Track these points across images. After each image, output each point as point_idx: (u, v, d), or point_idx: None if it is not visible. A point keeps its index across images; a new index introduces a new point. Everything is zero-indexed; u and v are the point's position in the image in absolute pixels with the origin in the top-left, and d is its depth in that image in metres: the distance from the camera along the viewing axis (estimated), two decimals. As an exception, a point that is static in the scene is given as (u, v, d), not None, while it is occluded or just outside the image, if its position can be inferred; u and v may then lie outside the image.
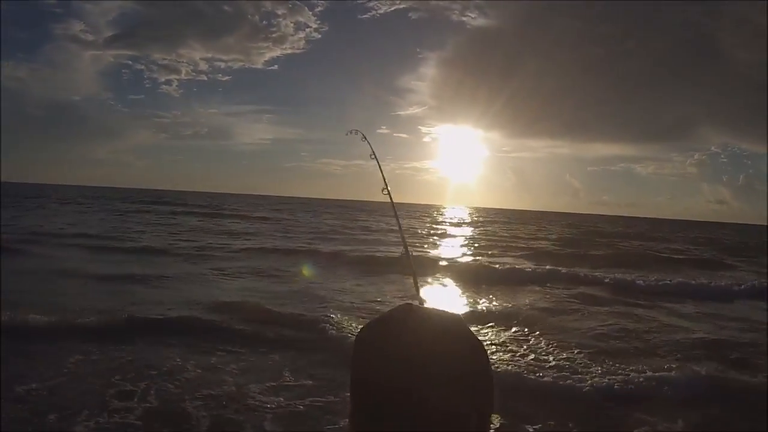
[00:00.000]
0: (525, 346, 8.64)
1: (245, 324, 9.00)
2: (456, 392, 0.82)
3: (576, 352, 8.38)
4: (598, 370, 7.46)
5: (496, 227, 50.85)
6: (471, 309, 11.68)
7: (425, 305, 0.99)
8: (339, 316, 9.70)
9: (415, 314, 0.88)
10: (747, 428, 6.20)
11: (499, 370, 7.32)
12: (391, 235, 27.99)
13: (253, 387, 6.38)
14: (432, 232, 38.41)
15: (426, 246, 26.32)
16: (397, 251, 18.43)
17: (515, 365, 7.67)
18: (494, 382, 0.89)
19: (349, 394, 0.87)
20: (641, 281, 16.26)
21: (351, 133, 2.13)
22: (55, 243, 19.03)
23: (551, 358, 8.02)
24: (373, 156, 1.96)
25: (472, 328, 0.92)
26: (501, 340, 9.09)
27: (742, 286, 15.93)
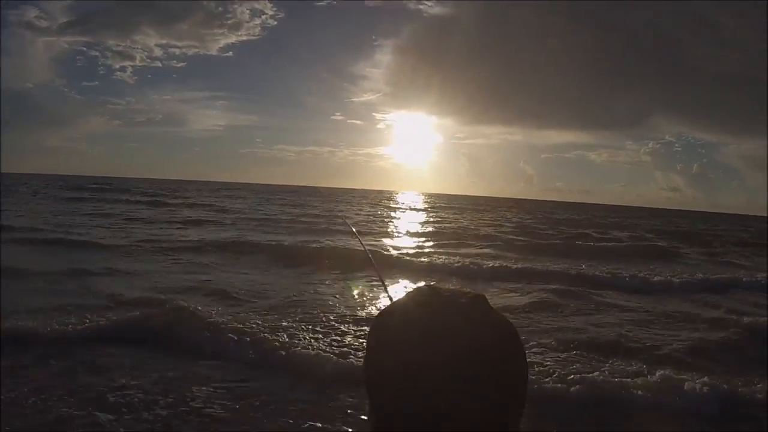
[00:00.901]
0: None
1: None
2: (492, 378, 0.75)
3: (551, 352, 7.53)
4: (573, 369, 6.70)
5: (448, 214, 49.16)
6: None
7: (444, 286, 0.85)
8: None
9: (438, 296, 0.81)
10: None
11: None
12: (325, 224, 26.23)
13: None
14: (385, 221, 36.87)
15: (383, 239, 24.05)
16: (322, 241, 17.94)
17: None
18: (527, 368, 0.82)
19: (368, 388, 0.81)
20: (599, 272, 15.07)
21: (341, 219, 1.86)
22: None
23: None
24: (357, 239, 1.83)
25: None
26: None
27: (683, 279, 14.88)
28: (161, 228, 22.98)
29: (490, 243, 22.17)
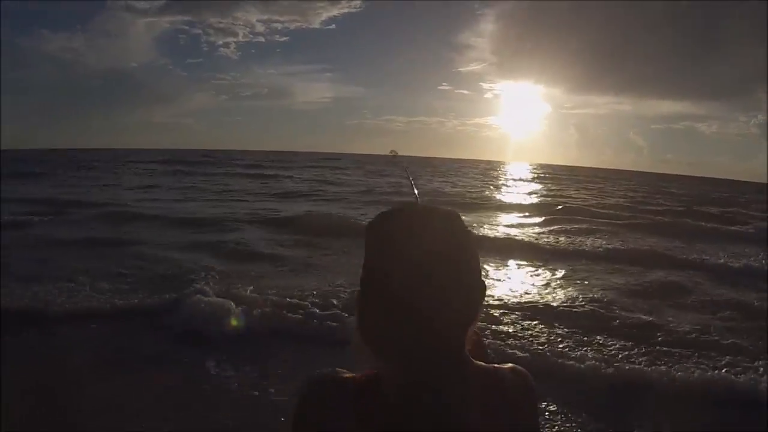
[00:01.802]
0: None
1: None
2: (465, 271, 0.96)
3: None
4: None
5: (560, 187, 46.81)
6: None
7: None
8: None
9: (420, 208, 1.02)
10: None
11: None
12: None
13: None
14: (494, 194, 36.14)
15: (491, 214, 23.52)
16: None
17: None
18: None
19: (369, 278, 0.97)
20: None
21: (392, 153, 1.95)
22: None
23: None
24: (409, 178, 1.65)
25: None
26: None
27: None
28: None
29: (607, 221, 20.89)
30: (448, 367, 0.95)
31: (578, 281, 10.48)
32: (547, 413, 5.00)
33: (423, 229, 0.95)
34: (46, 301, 7.66)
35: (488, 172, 76.89)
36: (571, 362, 6.19)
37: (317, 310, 7.53)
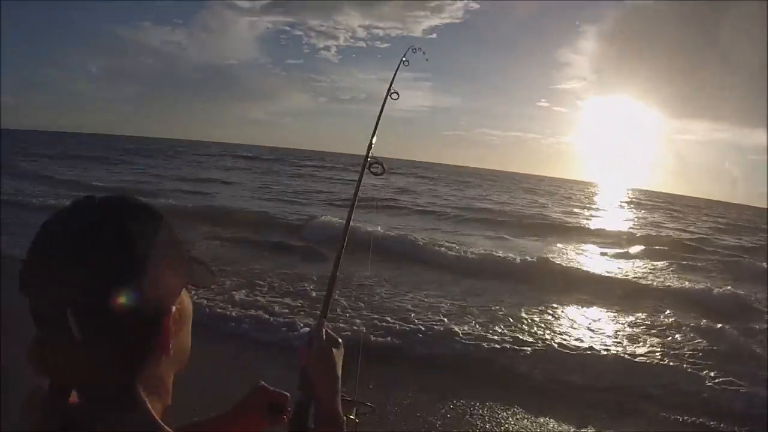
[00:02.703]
0: None
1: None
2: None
3: None
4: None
5: (659, 216, 43.63)
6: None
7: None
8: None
9: (82, 201, 0.87)
10: None
11: None
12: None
13: None
14: (587, 218, 33.91)
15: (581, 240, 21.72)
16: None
17: None
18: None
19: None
20: None
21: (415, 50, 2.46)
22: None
23: None
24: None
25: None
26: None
27: None
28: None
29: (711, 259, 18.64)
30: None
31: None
32: None
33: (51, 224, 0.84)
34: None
35: (579, 192, 73.51)
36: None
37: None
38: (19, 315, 0.86)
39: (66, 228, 0.82)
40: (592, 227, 25.25)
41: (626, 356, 7.35)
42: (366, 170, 1.99)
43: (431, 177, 62.38)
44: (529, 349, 7.17)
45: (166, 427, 0.86)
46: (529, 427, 5.36)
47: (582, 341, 7.94)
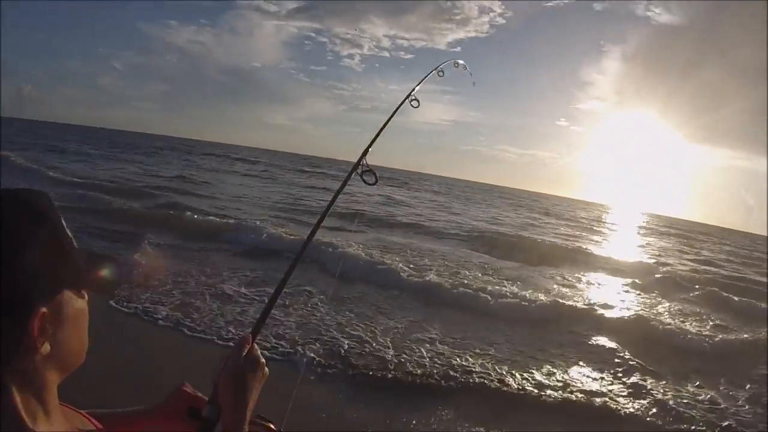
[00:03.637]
0: None
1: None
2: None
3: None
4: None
5: (674, 244, 41.37)
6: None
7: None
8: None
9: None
10: None
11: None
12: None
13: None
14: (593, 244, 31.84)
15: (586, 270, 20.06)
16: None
17: None
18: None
19: None
20: None
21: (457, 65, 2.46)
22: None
23: None
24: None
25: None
26: None
27: None
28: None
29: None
30: None
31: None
32: None
33: None
34: None
35: (591, 215, 71.22)
36: None
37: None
38: None
39: None
40: (595, 255, 23.07)
41: None
42: (358, 177, 1.86)
43: (437, 191, 61.12)
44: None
45: (31, 425, 0.88)
46: None
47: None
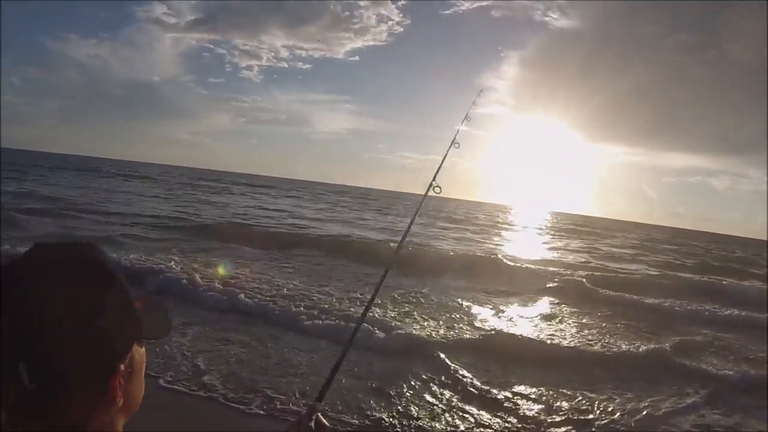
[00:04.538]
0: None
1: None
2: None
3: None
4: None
5: (576, 238, 41.77)
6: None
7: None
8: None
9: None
10: None
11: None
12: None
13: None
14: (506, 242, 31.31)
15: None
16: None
17: None
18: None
19: None
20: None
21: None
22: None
23: None
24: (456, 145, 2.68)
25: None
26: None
27: None
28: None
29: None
30: None
31: None
32: None
33: None
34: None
35: (494, 216, 72.01)
36: None
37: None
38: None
39: (19, 284, 0.82)
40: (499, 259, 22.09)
41: None
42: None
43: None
44: None
45: None
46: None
47: None
